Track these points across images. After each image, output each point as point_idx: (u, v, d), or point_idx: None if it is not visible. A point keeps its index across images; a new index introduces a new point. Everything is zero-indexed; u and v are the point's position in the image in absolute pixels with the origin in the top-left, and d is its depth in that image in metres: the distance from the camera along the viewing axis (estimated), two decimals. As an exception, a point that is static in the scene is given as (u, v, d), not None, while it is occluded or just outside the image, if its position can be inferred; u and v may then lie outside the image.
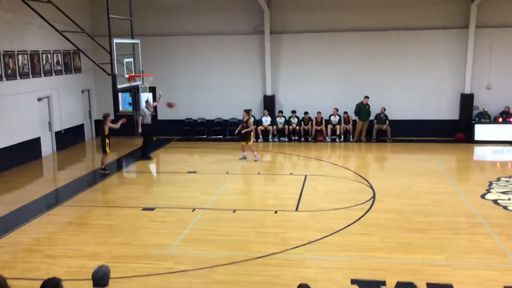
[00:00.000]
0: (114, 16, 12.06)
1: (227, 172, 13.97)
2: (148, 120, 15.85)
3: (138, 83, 13.62)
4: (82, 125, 19.02)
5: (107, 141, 13.99)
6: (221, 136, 19.37)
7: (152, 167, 15.34)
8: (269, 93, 19.28)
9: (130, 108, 19.79)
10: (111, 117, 15.34)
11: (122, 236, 9.25)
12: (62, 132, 17.48)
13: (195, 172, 14.10)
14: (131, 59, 13.25)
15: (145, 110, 15.91)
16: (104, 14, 11.90)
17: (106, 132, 14.02)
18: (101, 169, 14.15)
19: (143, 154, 16.09)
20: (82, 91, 19.05)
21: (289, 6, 18.80)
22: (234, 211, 10.56)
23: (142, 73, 13.88)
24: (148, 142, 16.12)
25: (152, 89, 17.33)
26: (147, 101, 16.11)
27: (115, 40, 11.88)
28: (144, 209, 10.80)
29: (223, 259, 8.06)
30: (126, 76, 12.87)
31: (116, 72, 11.94)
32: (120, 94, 19.21)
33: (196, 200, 11.46)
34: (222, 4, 19.09)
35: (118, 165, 15.48)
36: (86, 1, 19.30)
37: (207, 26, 19.31)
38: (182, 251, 8.50)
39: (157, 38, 19.20)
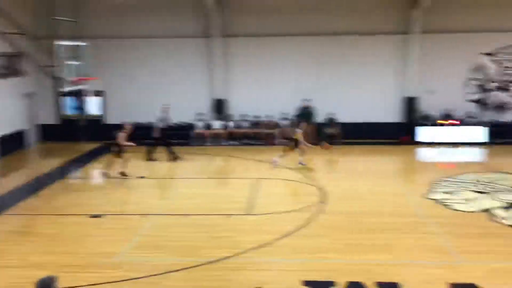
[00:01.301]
0: (58, 17, 11.70)
1: (178, 177, 13.82)
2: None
3: (84, 86, 13.27)
4: (24, 130, 18.21)
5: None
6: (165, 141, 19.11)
7: (100, 172, 14.95)
8: (220, 97, 19.25)
9: (76, 112, 19.22)
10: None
11: (69, 244, 8.96)
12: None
13: (144, 177, 13.86)
14: (78, 62, 12.90)
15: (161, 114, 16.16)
16: (48, 16, 11.52)
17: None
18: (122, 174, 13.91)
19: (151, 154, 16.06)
20: (25, 95, 18.30)
21: (238, 9, 18.86)
22: (185, 216, 10.45)
23: (88, 77, 13.53)
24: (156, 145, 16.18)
25: (98, 93, 16.92)
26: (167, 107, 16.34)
27: (59, 42, 11.52)
28: (92, 216, 10.50)
29: (175, 265, 7.95)
30: (71, 79, 12.52)
31: (61, 75, 11.59)
32: (66, 98, 18.62)
33: (147, 206, 11.26)
34: (171, 7, 18.90)
35: (64, 171, 14.98)
36: (30, 2, 18.60)
37: (155, 28, 19.06)
38: (133, 259, 8.32)
39: (104, 40, 18.72)
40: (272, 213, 10.57)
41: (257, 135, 19.02)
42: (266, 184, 13.16)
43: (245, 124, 19.10)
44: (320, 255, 8.35)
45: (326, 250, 8.56)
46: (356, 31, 18.62)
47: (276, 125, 19.01)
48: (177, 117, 19.04)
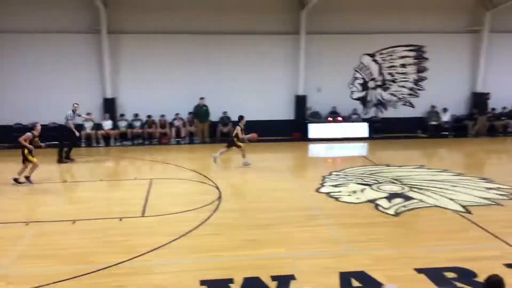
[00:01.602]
0: None
1: (65, 181, 13.05)
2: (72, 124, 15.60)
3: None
4: None
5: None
6: (57, 142, 18.02)
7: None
8: (109, 95, 18.51)
9: None
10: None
11: None
12: None
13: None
14: None
15: (71, 113, 15.36)
16: None
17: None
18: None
19: (64, 156, 15.41)
20: None
21: (127, 6, 18.28)
22: (74, 222, 9.89)
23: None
24: (70, 146, 15.63)
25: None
26: (77, 104, 15.76)
27: None
28: (-33, 227, 9.56)
29: (63, 274, 7.47)
30: None
31: None
32: None
33: (30, 213, 10.48)
34: (58, 1, 17.81)
35: None
36: None
37: (39, 23, 17.87)
38: (16, 270, 7.69)
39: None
40: (167, 214, 10.37)
41: (150, 135, 18.59)
42: (161, 184, 12.89)
43: (137, 123, 18.56)
44: (217, 253, 8.33)
45: (222, 248, 8.56)
46: (248, 30, 18.90)
47: (169, 124, 18.72)
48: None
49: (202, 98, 18.41)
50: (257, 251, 8.44)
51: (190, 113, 18.73)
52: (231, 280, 7.27)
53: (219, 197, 11.58)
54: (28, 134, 12.80)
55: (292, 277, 7.36)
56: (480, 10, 19.57)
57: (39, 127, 13.25)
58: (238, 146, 14.71)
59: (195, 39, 18.73)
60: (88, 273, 7.52)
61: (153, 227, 9.63)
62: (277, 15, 19.06)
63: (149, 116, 18.54)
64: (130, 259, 8.06)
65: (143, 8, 18.30)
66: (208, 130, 18.79)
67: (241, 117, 15.05)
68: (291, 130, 19.48)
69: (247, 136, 14.75)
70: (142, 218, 10.23)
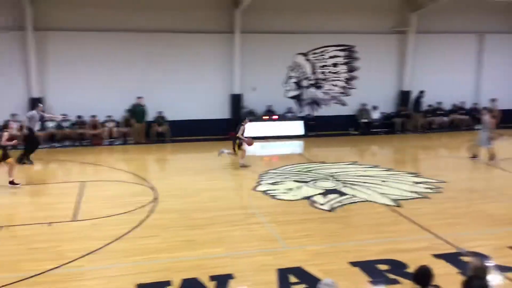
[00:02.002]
0: None
1: (-11, 185, 12.33)
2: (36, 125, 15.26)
3: None
4: None
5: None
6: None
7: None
8: (36, 95, 17.66)
9: None
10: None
11: None
12: None
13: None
14: None
15: (35, 113, 15.03)
16: None
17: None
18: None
19: (25, 158, 14.78)
20: None
21: (53, 2, 17.50)
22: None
23: None
24: (32, 147, 15.05)
25: None
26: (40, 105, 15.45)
27: None
28: None
29: (-12, 284, 7.05)
30: None
31: None
32: None
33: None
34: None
35: None
36: None
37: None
38: None
39: None
40: (100, 218, 10.03)
41: (81, 136, 17.93)
42: (93, 187, 12.46)
43: (67, 124, 17.86)
44: (153, 255, 8.16)
45: (159, 250, 8.40)
46: (182, 28, 18.67)
47: (102, 125, 18.15)
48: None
49: (139, 98, 17.98)
50: (195, 251, 8.36)
51: (126, 112, 18.24)
52: (168, 283, 7.15)
53: (155, 198, 11.36)
54: (5, 133, 12.40)
55: (230, 276, 7.34)
56: (406, 12, 20.41)
57: (12, 125, 13.42)
58: (240, 147, 14.41)
59: (129, 37, 18.25)
60: (16, 282, 7.14)
61: (85, 232, 9.29)
62: (211, 14, 18.96)
63: (79, 117, 17.88)
64: (61, 265, 7.73)
65: (72, 4, 17.59)
66: (144, 131, 18.40)
67: (244, 118, 15.27)
68: (227, 129, 19.46)
69: (246, 138, 14.55)
70: (73, 222, 9.84)
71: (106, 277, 7.39)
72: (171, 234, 9.14)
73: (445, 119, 20.79)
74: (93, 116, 17.96)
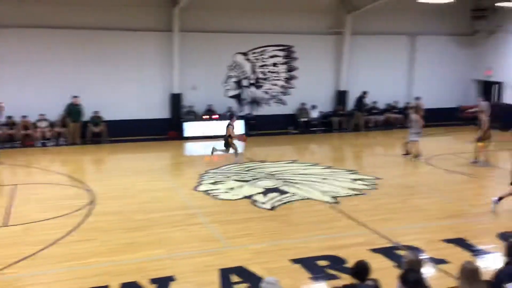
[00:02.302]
0: None
1: None
2: None
3: None
4: None
5: None
6: None
7: None
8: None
9: None
10: None
11: None
12: None
13: None
14: None
15: None
16: None
17: None
18: None
19: None
20: None
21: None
22: None
23: None
24: None
25: None
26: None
27: None
28: None
29: None
30: None
31: None
32: None
33: None
34: None
35: None
36: None
37: None
38: None
39: None
40: (34, 222, 9.60)
41: (11, 137, 17.09)
42: (26, 190, 11.91)
43: (-4, 124, 16.97)
44: (91, 259, 7.91)
45: (97, 254, 8.16)
46: (120, 26, 18.19)
47: (34, 125, 17.37)
48: None
49: (75, 97, 17.33)
50: (134, 254, 8.18)
51: (62, 112, 17.54)
52: (107, 287, 6.96)
53: (92, 201, 11.02)
54: None
55: (171, 278, 7.25)
56: (342, 13, 20.92)
57: None
58: (232, 145, 14.97)
59: (65, 34, 17.52)
60: None
61: (18, 237, 8.88)
62: (150, 12, 18.60)
63: (9, 117, 17.03)
64: (-8, 273, 7.34)
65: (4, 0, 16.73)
66: (79, 131, 17.77)
67: (231, 116, 15.65)
68: (167, 129, 19.18)
69: (237, 135, 15.07)
70: (4, 227, 9.37)
71: (41, 284, 7.10)
72: (110, 237, 8.90)
73: (381, 117, 21.51)
74: (24, 117, 17.17)
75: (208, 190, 12.00)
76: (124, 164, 15.20)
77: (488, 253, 8.33)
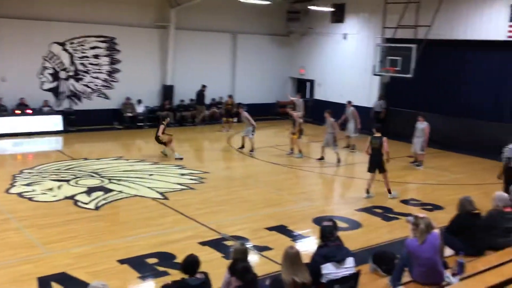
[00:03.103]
0: None
1: None
2: None
3: None
4: None
5: None
6: None
7: None
8: None
9: None
10: None
11: None
12: None
13: None
14: None
15: None
16: None
17: None
18: None
19: None
20: None
21: None
22: None
23: None
24: None
25: None
26: None
27: None
28: None
29: None
30: None
31: None
32: None
33: None
34: None
35: None
36: None
37: None
38: None
39: None
40: None
41: None
42: None
43: None
44: None
45: None
46: None
47: None
48: None
49: None
50: None
51: None
52: None
53: None
54: None
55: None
56: (166, 7, 20.76)
57: None
58: (164, 143, 14.72)
59: None
60: None
61: None
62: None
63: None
64: None
65: None
66: None
67: (164, 117, 15.45)
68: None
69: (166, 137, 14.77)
70: None
71: None
72: None
73: (206, 112, 21.91)
74: None
75: (22, 192, 10.92)
76: None
77: (306, 237, 9.06)
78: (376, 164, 11.41)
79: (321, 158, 15.10)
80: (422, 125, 14.54)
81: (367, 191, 11.54)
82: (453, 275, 5.86)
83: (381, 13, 18.76)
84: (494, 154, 15.70)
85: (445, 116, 18.07)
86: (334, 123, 14.74)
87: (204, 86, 21.10)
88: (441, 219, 8.32)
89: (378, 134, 11.46)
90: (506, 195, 7.36)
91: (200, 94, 21.13)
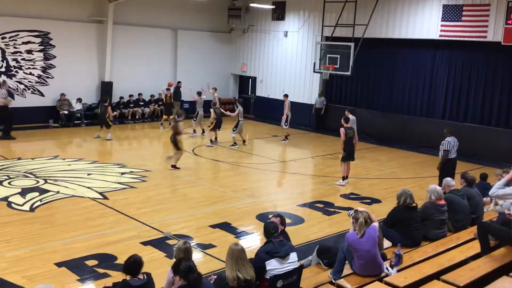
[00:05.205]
0: None
1: None
2: None
3: None
4: None
5: None
6: None
7: None
8: None
9: None
10: None
11: None
12: None
13: None
14: None
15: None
16: None
17: None
18: None
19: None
20: None
21: None
22: None
23: None
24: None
25: None
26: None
27: None
28: None
29: None
30: None
31: None
32: None
33: None
34: None
35: None
36: None
37: None
38: None
39: None
40: None
41: None
42: None
43: None
44: None
45: None
46: None
47: None
48: None
49: None
50: None
51: None
52: None
53: None
54: None
55: None
56: (104, 1, 20.14)
57: None
58: (177, 146, 13.37)
59: None
60: None
61: None
62: None
63: None
64: None
65: None
66: None
67: (179, 114, 14.16)
68: None
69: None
70: None
71: None
72: None
73: (147, 109, 21.52)
74: None
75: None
76: None
77: (250, 233, 9.11)
78: (353, 152, 12.64)
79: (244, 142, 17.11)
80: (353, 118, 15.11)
81: (345, 178, 12.63)
82: (392, 266, 6.09)
83: (320, 11, 19.12)
84: (427, 148, 16.48)
85: (381, 112, 18.74)
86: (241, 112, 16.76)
87: (179, 82, 21.08)
88: (379, 212, 8.62)
89: (348, 125, 12.73)
90: (439, 188, 7.71)
91: (177, 90, 20.86)
